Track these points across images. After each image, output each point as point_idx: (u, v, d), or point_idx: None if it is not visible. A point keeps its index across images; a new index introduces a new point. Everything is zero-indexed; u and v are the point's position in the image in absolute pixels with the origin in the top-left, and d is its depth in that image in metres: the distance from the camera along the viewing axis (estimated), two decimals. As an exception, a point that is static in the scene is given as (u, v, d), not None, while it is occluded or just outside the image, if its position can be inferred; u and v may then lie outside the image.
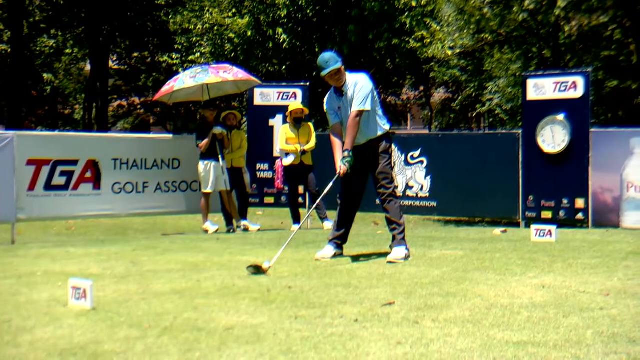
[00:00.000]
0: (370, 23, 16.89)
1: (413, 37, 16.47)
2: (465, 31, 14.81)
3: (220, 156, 9.68)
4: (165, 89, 9.84)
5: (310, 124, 10.34)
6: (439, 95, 35.16)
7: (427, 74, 22.39)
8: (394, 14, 16.64)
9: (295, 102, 10.63)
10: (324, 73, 6.26)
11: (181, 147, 10.38)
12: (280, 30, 17.86)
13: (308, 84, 11.32)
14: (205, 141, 9.62)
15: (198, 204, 9.93)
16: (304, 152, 10.09)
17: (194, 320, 3.99)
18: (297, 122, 10.16)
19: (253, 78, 10.31)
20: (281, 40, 17.90)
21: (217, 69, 9.77)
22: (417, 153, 11.15)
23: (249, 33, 17.86)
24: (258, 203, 11.37)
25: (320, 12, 17.76)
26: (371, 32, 16.83)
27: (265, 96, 11.26)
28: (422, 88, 32.33)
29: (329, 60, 6.23)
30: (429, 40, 15.82)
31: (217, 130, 9.63)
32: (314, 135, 10.23)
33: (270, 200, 11.31)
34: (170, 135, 12.58)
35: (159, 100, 10.43)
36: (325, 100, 6.50)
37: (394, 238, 6.30)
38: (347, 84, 6.28)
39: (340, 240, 6.54)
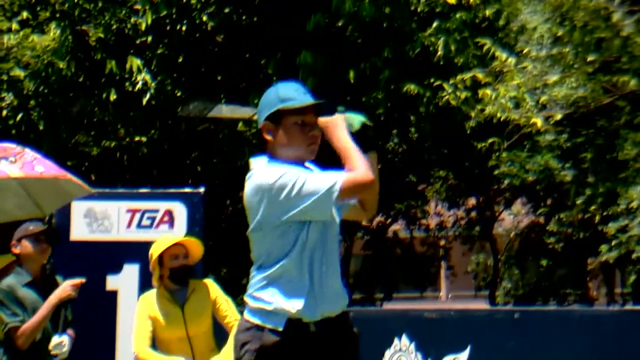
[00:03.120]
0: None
1: (451, 81, 9.33)
2: (575, 66, 7.75)
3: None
4: None
5: (210, 282, 6.05)
6: (510, 220, 21.74)
7: (485, 168, 13.32)
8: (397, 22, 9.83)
9: (169, 235, 6.40)
10: None
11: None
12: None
13: (202, 189, 7.05)
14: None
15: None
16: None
17: None
18: (179, 279, 5.88)
19: (75, 179, 6.34)
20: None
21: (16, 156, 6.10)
22: (463, 357, 7.10)
23: (62, 65, 10.58)
24: None
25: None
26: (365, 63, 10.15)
27: (97, 219, 6.98)
28: (472, 202, 19.82)
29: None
30: (488, 93, 8.55)
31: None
32: (231, 307, 5.88)
33: None
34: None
35: None
36: None
37: None
38: None
39: None
